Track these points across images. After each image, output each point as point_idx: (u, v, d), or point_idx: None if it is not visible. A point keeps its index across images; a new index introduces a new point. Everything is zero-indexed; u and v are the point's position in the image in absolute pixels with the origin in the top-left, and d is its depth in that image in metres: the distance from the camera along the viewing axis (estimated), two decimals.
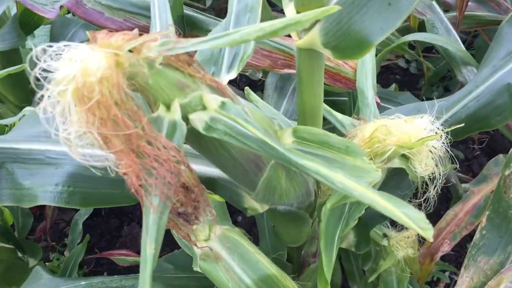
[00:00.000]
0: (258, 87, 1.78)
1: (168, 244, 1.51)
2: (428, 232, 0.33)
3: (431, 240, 0.34)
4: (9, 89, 1.17)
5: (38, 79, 0.36)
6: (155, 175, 0.38)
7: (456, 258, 1.42)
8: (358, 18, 0.42)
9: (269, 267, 0.54)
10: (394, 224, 0.90)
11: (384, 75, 1.89)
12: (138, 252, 1.46)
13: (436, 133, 0.63)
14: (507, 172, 0.65)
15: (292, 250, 0.83)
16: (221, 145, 0.45)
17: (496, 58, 0.71)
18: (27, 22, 1.04)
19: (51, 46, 0.37)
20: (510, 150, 0.66)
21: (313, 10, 0.36)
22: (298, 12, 0.45)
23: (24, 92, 1.22)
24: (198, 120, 0.41)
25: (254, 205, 0.60)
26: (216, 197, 0.66)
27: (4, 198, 0.52)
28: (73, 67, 0.35)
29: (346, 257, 1.11)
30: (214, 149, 0.46)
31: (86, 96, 0.35)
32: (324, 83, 0.89)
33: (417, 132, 0.63)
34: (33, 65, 0.35)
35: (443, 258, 1.44)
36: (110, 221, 1.63)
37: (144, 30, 0.91)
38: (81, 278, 0.72)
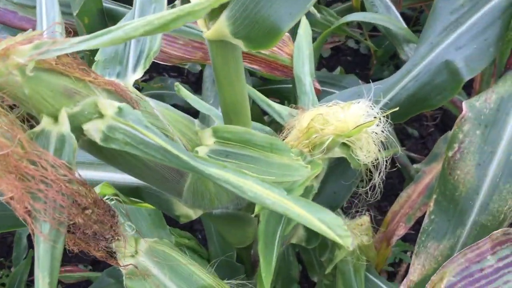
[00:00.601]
0: None
1: None
2: (346, 239, 0.29)
3: (350, 248, 0.30)
4: None
5: None
6: (42, 198, 0.33)
7: (417, 237, 1.41)
8: (264, 4, 0.38)
9: (205, 278, 0.50)
10: (346, 212, 0.87)
11: (335, 57, 1.87)
12: (91, 265, 1.39)
13: (374, 117, 0.60)
14: (450, 153, 0.63)
15: (241, 250, 0.80)
16: (129, 154, 0.41)
17: (433, 34, 0.69)
18: None
19: None
20: (452, 130, 0.63)
21: None
22: None
23: None
24: (94, 130, 0.36)
25: (186, 211, 0.56)
26: (148, 205, 0.61)
27: None
28: None
29: (304, 248, 1.08)
30: (123, 159, 0.41)
31: None
32: (262, 72, 0.85)
33: (355, 119, 0.60)
34: None
35: (404, 238, 1.44)
36: None
37: (67, 27, 0.85)
38: None
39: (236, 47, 0.44)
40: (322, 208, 0.31)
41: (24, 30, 0.86)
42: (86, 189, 0.35)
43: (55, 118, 0.35)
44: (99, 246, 0.43)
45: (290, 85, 1.04)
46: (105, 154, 0.41)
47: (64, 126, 0.34)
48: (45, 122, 0.34)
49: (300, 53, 0.75)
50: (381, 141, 0.64)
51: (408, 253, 1.37)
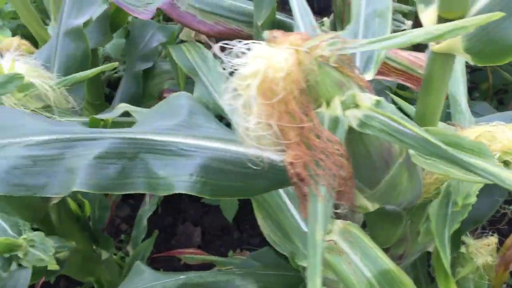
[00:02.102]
0: None
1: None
2: None
3: None
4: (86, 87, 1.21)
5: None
6: (322, 166, 0.40)
7: None
8: (506, 25, 0.44)
9: (388, 263, 0.56)
10: (473, 231, 0.90)
11: None
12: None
13: None
14: None
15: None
16: (362, 142, 0.48)
17: None
18: (113, 23, 1.09)
19: (227, 44, 0.40)
20: None
21: (478, 16, 0.38)
22: (441, 17, 0.47)
23: (97, 89, 1.27)
24: (352, 117, 0.43)
25: (364, 203, 0.62)
26: None
27: (139, 186, 0.55)
28: (259, 64, 0.38)
29: (412, 263, 1.12)
30: (355, 145, 0.48)
31: (271, 90, 0.38)
32: (413, 89, 0.91)
33: None
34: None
35: None
36: (165, 219, 1.67)
37: (234, 33, 0.95)
38: (180, 273, 0.75)
39: (454, 60, 0.51)
40: None
41: (200, 31, 0.98)
42: (348, 164, 0.42)
43: (327, 104, 0.43)
44: None
45: None
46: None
47: (338, 110, 0.42)
48: (323, 106, 0.42)
49: (455, 73, 0.80)
50: None
51: None
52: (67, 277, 1.45)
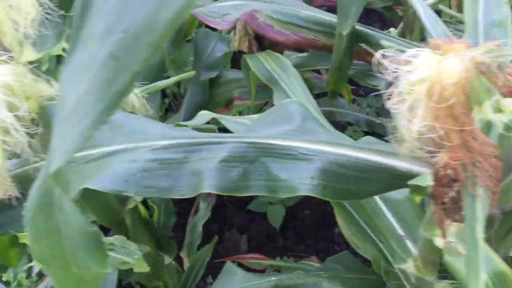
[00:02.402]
0: None
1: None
2: None
3: None
4: None
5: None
6: (479, 168, 0.42)
7: None
8: None
9: (502, 264, 0.58)
10: None
11: None
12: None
13: None
14: None
15: None
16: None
17: None
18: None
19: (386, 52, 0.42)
20: None
21: None
22: None
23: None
24: (498, 121, 0.45)
25: None
26: (416, 199, 0.69)
27: (260, 189, 0.57)
28: (427, 70, 0.40)
29: None
30: None
31: (440, 95, 0.40)
32: None
33: None
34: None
35: None
36: (211, 226, 1.69)
37: (310, 43, 0.97)
38: (272, 274, 0.77)
39: None
40: None
41: (277, 41, 1.00)
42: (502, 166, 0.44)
43: (479, 108, 0.45)
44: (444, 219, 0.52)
45: None
46: None
47: (490, 115, 0.44)
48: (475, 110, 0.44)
49: None
50: None
51: None
52: None
